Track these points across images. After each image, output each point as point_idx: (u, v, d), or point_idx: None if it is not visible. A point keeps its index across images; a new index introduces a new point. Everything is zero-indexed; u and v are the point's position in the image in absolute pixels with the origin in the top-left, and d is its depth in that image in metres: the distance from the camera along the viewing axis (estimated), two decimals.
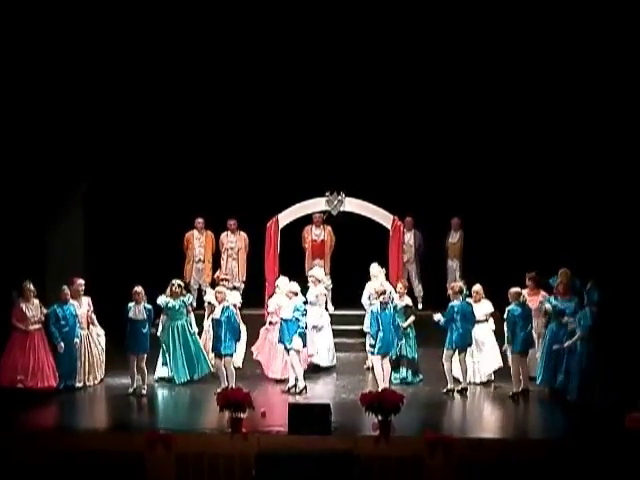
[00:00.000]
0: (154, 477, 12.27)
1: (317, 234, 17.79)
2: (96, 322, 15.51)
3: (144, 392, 14.75)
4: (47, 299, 15.14)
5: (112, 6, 17.11)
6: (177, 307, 15.39)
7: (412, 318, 15.45)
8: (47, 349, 14.87)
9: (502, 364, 15.12)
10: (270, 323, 15.53)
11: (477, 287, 15.42)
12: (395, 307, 15.12)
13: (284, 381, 15.13)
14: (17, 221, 16.70)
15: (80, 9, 16.82)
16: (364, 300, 15.96)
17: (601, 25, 16.73)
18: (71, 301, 15.12)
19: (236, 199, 18.31)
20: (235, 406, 12.52)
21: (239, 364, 15.63)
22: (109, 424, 13.71)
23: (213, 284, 16.24)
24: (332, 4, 17.59)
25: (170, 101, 18.30)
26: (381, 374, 14.61)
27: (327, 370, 16.04)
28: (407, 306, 15.50)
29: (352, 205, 16.92)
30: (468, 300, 14.91)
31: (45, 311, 14.88)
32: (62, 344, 14.87)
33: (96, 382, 15.35)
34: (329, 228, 17.79)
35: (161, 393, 15.12)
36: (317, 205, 17.08)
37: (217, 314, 14.68)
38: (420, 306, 17.54)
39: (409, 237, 17.85)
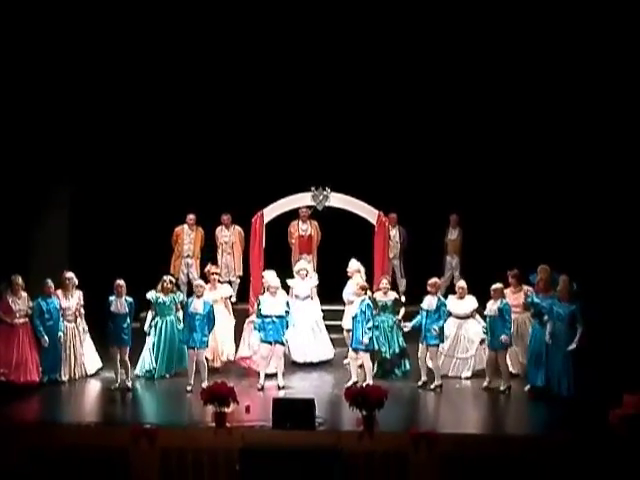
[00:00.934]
0: (138, 471, 12.27)
1: (304, 229, 17.75)
2: (83, 317, 15.45)
3: (129, 385, 14.72)
4: (30, 292, 15.05)
5: (99, 6, 17.07)
6: (167, 303, 15.35)
7: (403, 310, 15.52)
8: (32, 344, 14.83)
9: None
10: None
11: (461, 283, 15.51)
12: (385, 304, 15.25)
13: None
14: (1, 213, 16.61)
15: (68, 10, 16.76)
16: (347, 296, 15.95)
17: (601, 24, 16.72)
18: (59, 294, 15.08)
19: (226, 194, 18.22)
20: (219, 400, 12.53)
21: (232, 357, 15.67)
22: (93, 418, 13.59)
23: (204, 278, 16.17)
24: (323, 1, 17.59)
25: (162, 96, 18.23)
26: (370, 369, 14.69)
27: (312, 364, 16.04)
28: (396, 300, 15.58)
29: (337, 200, 16.90)
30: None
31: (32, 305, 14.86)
32: (46, 338, 14.84)
33: (81, 376, 15.31)
34: (315, 223, 17.77)
35: (145, 387, 15.06)
36: (302, 200, 17.05)
37: (198, 308, 14.67)
38: (403, 299, 17.50)
39: (394, 233, 17.87)
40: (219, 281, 16.23)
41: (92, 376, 15.41)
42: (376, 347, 14.97)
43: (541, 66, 17.49)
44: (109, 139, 18.18)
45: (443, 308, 14.92)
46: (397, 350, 15.31)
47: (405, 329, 15.14)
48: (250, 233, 16.93)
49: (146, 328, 15.39)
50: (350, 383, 14.47)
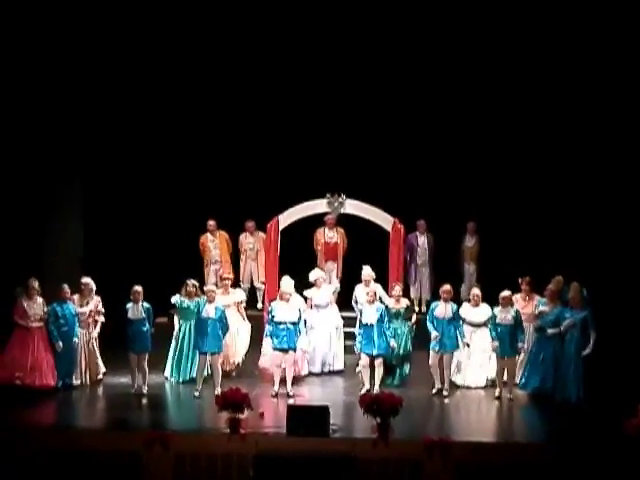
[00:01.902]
0: (152, 477, 12.26)
1: (330, 236, 17.68)
2: (99, 324, 15.45)
3: (145, 391, 14.73)
4: (46, 297, 15.06)
5: (109, 8, 17.11)
6: (191, 307, 15.33)
7: (415, 317, 15.54)
8: (48, 347, 14.85)
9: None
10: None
11: (476, 291, 15.45)
12: (398, 312, 15.26)
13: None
14: (16, 218, 16.65)
15: (74, 10, 16.80)
16: (358, 302, 15.92)
17: (614, 19, 16.72)
18: (75, 299, 15.12)
19: (244, 201, 18.22)
20: (234, 407, 12.52)
21: (239, 361, 15.71)
22: (107, 423, 13.64)
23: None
24: (339, 7, 17.58)
25: (181, 101, 18.28)
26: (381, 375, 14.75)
27: (327, 372, 16.03)
28: (408, 307, 15.58)
29: (353, 207, 16.90)
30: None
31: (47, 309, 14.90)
32: (60, 343, 14.87)
33: (96, 380, 15.36)
34: (342, 230, 17.68)
35: (160, 392, 15.07)
36: (318, 206, 17.06)
37: (210, 313, 14.67)
38: (424, 309, 17.47)
39: (423, 240, 17.86)
40: (232, 286, 16.21)
41: (102, 381, 15.43)
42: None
43: (563, 74, 17.44)
44: (125, 142, 18.18)
45: (458, 315, 14.92)
46: (401, 354, 15.29)
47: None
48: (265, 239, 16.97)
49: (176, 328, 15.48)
50: (364, 391, 14.44)
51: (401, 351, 15.22)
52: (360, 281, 15.99)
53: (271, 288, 16.31)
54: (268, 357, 15.19)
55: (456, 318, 14.91)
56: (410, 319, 15.49)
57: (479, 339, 15.22)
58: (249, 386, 14.07)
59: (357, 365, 15.21)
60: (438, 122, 18.41)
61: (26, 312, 14.77)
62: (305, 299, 15.97)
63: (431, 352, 14.90)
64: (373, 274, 15.90)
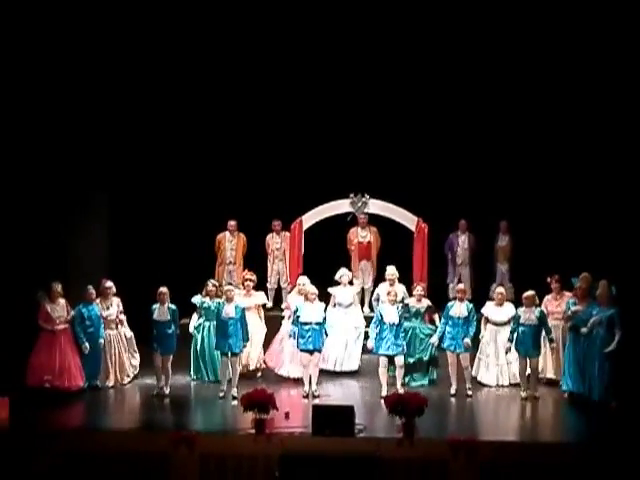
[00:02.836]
0: (178, 477, 12.31)
1: (363, 236, 17.62)
2: (125, 323, 15.57)
3: (167, 392, 14.79)
4: (70, 299, 15.17)
5: (134, 20, 17.25)
6: (212, 308, 15.39)
7: (437, 317, 15.48)
8: (74, 349, 14.94)
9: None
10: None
11: (500, 289, 15.43)
12: (418, 311, 15.25)
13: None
14: (41, 221, 16.73)
15: (107, 26, 16.93)
16: (378, 300, 15.92)
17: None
18: (98, 302, 15.21)
19: (267, 201, 18.23)
20: (259, 407, 12.55)
21: (260, 364, 15.78)
22: (133, 424, 13.72)
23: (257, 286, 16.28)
24: (357, 6, 17.60)
25: (202, 103, 18.34)
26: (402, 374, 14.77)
27: (351, 372, 16.04)
28: (429, 307, 15.55)
29: (376, 207, 16.89)
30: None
31: (71, 311, 14.97)
32: (87, 344, 14.95)
33: (123, 383, 15.43)
34: (375, 229, 17.59)
35: (185, 393, 15.14)
36: (341, 207, 17.07)
37: (230, 312, 14.71)
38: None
39: (463, 240, 17.83)
40: (254, 288, 16.24)
41: (131, 382, 15.51)
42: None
43: (595, 73, 17.32)
44: (149, 146, 18.26)
45: (473, 315, 14.89)
46: (425, 358, 15.27)
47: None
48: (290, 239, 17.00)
49: (191, 329, 15.52)
50: (383, 393, 14.41)
51: (424, 357, 15.22)
52: (384, 280, 15.99)
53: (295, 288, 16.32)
54: (274, 355, 15.38)
55: (471, 318, 14.87)
56: (433, 322, 15.48)
57: (502, 338, 15.17)
58: (273, 387, 14.11)
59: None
60: (467, 120, 18.33)
61: (50, 315, 14.85)
62: (328, 296, 16.02)
63: (448, 352, 14.90)
64: (397, 274, 15.89)
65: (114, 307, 15.40)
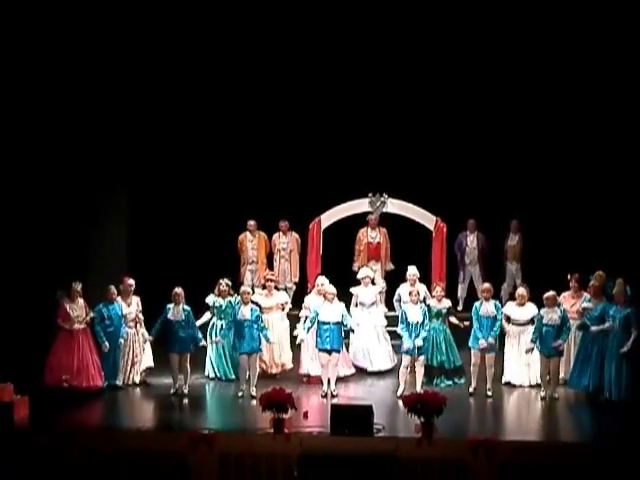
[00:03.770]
0: (197, 477, 12.33)
1: (372, 236, 17.60)
2: (142, 322, 15.61)
3: (186, 392, 14.82)
4: (90, 299, 15.21)
5: (156, 20, 17.38)
6: (224, 307, 15.43)
7: (454, 319, 15.46)
8: (93, 348, 14.99)
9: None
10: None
11: (522, 290, 15.28)
12: (439, 312, 15.23)
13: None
14: (61, 220, 16.80)
15: (124, 29, 17.03)
16: (400, 301, 15.91)
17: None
18: (119, 300, 15.25)
19: (283, 201, 18.24)
20: (278, 406, 12.55)
21: (289, 365, 15.79)
22: (152, 424, 13.74)
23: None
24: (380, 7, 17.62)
25: (220, 102, 18.36)
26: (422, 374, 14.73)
27: (367, 371, 16.03)
28: (449, 308, 15.51)
29: (394, 206, 16.86)
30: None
31: (90, 311, 15.00)
32: (107, 343, 14.99)
33: (135, 382, 15.42)
34: (384, 230, 17.56)
35: (202, 393, 15.18)
36: (360, 206, 17.05)
37: (246, 314, 14.74)
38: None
39: (472, 239, 17.78)
40: (276, 288, 16.24)
41: (146, 382, 15.51)
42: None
43: (609, 73, 17.29)
44: (167, 147, 18.33)
45: (500, 314, 14.86)
46: (450, 363, 15.23)
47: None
48: (307, 239, 16.95)
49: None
50: (399, 392, 14.42)
51: (444, 359, 15.20)
52: (404, 281, 15.97)
53: (314, 289, 16.30)
54: (307, 361, 15.36)
55: (498, 317, 14.84)
56: (450, 323, 15.43)
57: (525, 338, 15.10)
58: (292, 386, 14.10)
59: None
60: (478, 119, 18.33)
61: (69, 315, 14.89)
62: (350, 296, 16.03)
63: (472, 351, 14.86)
64: (418, 274, 15.85)
65: (134, 305, 15.42)
